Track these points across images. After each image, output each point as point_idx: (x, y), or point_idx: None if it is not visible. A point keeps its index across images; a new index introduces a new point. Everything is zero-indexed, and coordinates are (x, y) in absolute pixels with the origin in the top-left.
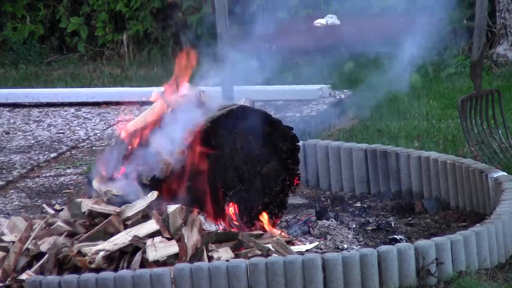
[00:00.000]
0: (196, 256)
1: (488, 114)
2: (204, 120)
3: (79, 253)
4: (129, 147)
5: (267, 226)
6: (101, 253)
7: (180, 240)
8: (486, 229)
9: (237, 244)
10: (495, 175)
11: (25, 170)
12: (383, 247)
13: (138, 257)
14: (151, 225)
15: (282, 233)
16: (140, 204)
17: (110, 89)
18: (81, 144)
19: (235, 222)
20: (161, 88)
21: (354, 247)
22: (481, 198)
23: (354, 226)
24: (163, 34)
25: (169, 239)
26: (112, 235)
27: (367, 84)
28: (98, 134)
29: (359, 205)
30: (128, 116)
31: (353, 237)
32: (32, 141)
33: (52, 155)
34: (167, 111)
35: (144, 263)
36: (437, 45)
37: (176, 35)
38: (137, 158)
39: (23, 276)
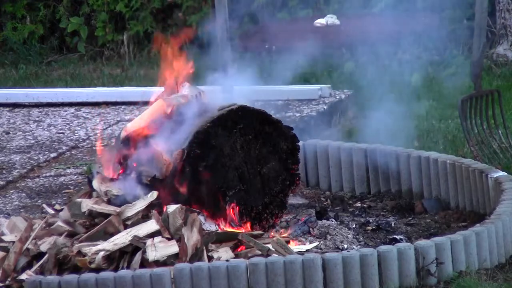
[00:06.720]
0: (196, 256)
1: (488, 114)
2: (204, 120)
3: (79, 253)
4: (129, 147)
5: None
6: (101, 253)
7: (180, 240)
8: (486, 229)
9: (237, 244)
10: (495, 175)
11: (25, 170)
12: (383, 247)
13: (138, 257)
14: (151, 225)
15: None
16: (140, 204)
17: (110, 89)
18: (81, 144)
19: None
20: (161, 88)
21: (354, 247)
22: (481, 198)
23: (354, 226)
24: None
25: (169, 239)
26: (112, 235)
27: (367, 84)
28: (98, 134)
29: (359, 205)
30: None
31: (353, 237)
32: (32, 141)
33: (52, 155)
34: (167, 111)
35: (144, 263)
36: (437, 45)
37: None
38: (137, 158)
39: (23, 276)
